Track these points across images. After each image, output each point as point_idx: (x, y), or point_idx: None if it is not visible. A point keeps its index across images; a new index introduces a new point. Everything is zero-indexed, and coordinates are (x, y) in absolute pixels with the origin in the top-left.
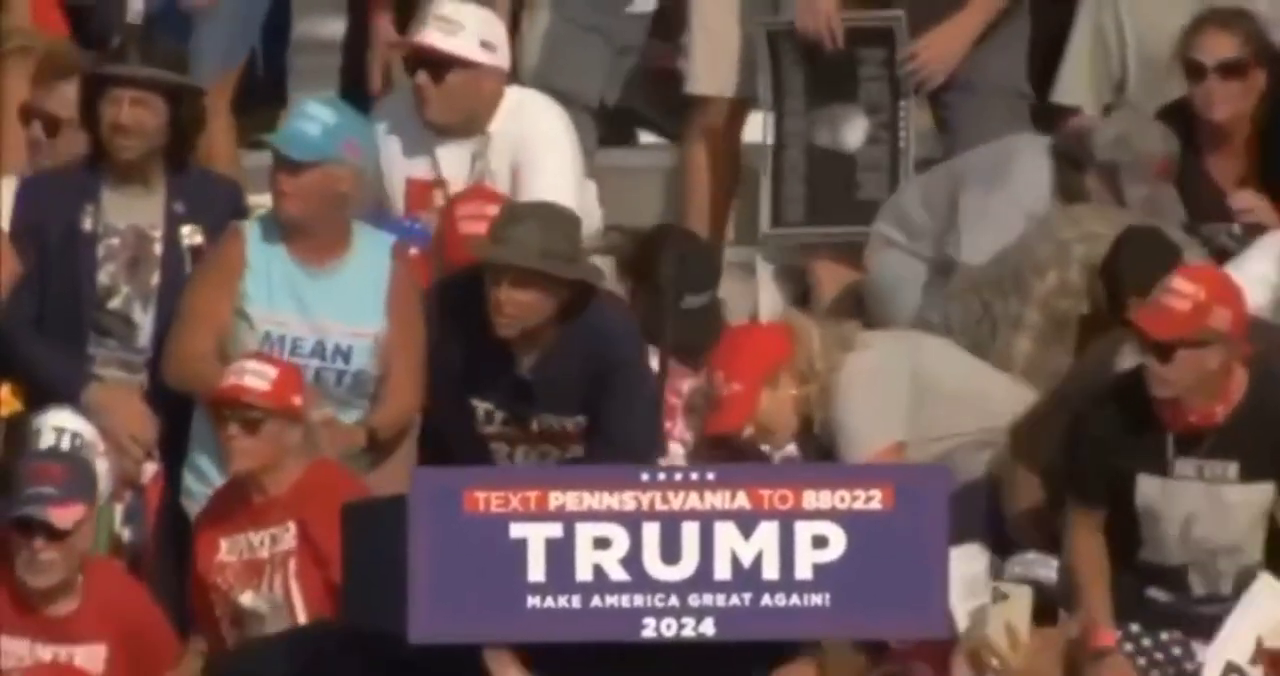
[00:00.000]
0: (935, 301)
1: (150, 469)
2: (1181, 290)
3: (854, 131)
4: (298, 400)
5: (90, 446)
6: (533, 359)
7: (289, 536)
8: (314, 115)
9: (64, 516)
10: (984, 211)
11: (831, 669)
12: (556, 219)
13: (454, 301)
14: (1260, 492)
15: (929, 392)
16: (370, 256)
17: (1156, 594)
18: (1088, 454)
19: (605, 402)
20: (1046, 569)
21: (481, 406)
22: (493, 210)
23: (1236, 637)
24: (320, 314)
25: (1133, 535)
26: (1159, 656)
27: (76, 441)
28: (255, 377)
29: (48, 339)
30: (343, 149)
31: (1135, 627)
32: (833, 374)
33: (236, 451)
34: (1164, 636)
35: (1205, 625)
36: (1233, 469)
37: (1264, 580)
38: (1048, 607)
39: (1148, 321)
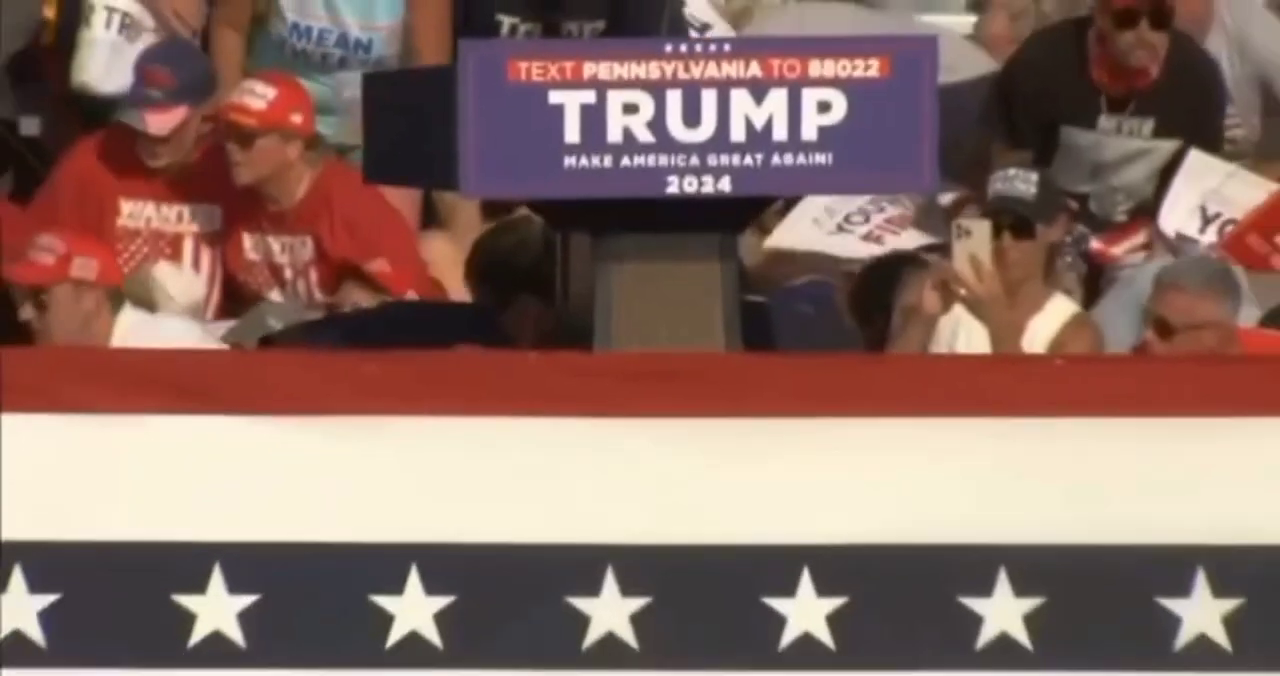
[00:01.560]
0: None
1: None
2: None
3: None
4: (297, 118)
5: (138, 24)
6: None
7: (306, 250)
8: None
9: (161, 122)
10: None
11: None
12: None
13: None
14: (1166, 148)
15: None
16: None
17: None
18: (1019, 104)
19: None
20: (1026, 184)
21: (508, 21)
22: None
23: (1179, 209)
24: (341, 9)
25: (1044, 162)
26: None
27: (125, 20)
28: (252, 97)
29: None
30: None
31: None
32: None
33: (233, 165)
34: None
35: (1100, 229)
36: (1148, 125)
37: (1194, 154)
38: (1026, 222)
39: None
